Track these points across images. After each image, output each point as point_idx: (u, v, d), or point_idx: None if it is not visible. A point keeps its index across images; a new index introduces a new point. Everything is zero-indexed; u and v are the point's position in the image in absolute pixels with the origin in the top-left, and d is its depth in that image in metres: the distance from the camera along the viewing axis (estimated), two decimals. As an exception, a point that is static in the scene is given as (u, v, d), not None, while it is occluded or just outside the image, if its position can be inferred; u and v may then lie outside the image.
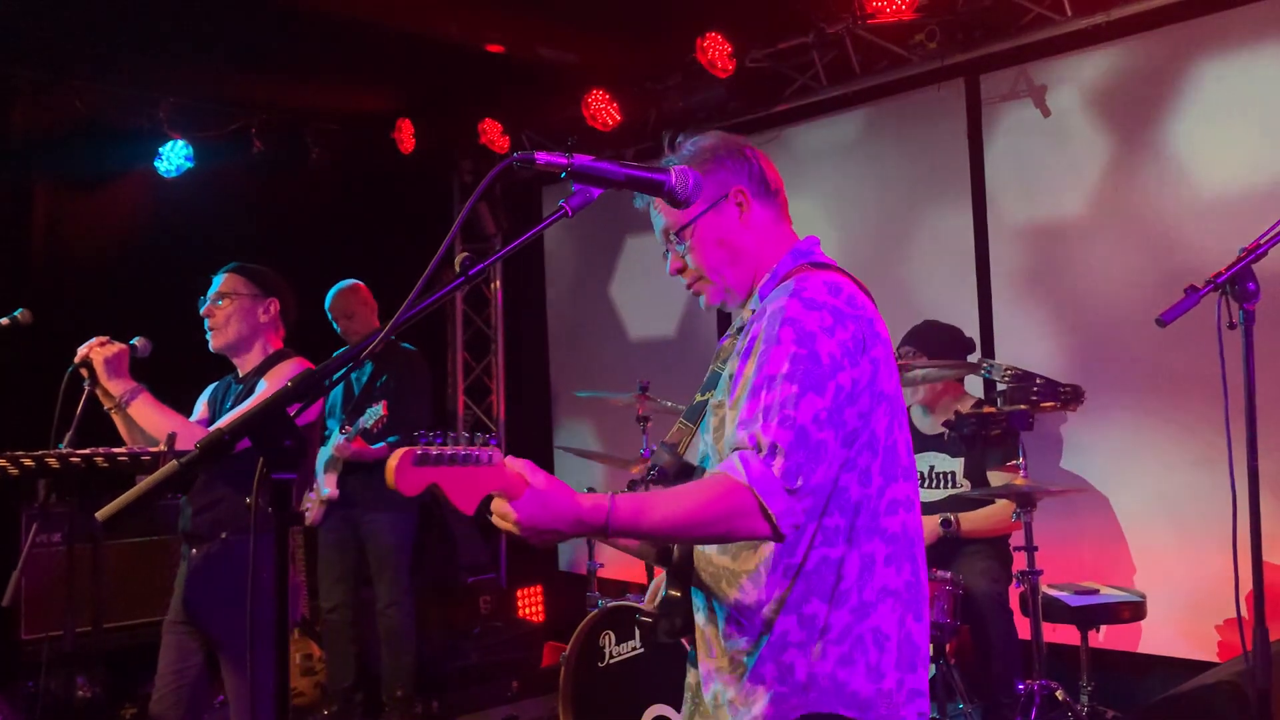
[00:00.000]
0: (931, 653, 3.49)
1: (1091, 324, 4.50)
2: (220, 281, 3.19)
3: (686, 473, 1.92)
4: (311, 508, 4.70)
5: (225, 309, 3.15)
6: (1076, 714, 3.60)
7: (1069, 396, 3.44)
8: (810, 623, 1.72)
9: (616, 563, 5.26)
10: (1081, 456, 4.51)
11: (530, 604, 6.47)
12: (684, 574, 1.89)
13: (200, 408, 3.30)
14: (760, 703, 1.74)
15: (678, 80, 5.43)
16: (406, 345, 4.95)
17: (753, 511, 1.60)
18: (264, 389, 3.09)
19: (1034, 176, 4.69)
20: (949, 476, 4.04)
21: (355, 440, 4.55)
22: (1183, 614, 4.17)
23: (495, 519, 1.59)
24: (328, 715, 4.86)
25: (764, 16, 4.94)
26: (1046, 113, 4.63)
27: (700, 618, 1.87)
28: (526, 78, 5.62)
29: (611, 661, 3.69)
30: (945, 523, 3.87)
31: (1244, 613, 2.44)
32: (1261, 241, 2.38)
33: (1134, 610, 3.82)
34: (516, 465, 1.57)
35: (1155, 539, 4.31)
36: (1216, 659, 4.02)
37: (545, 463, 6.33)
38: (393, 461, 1.45)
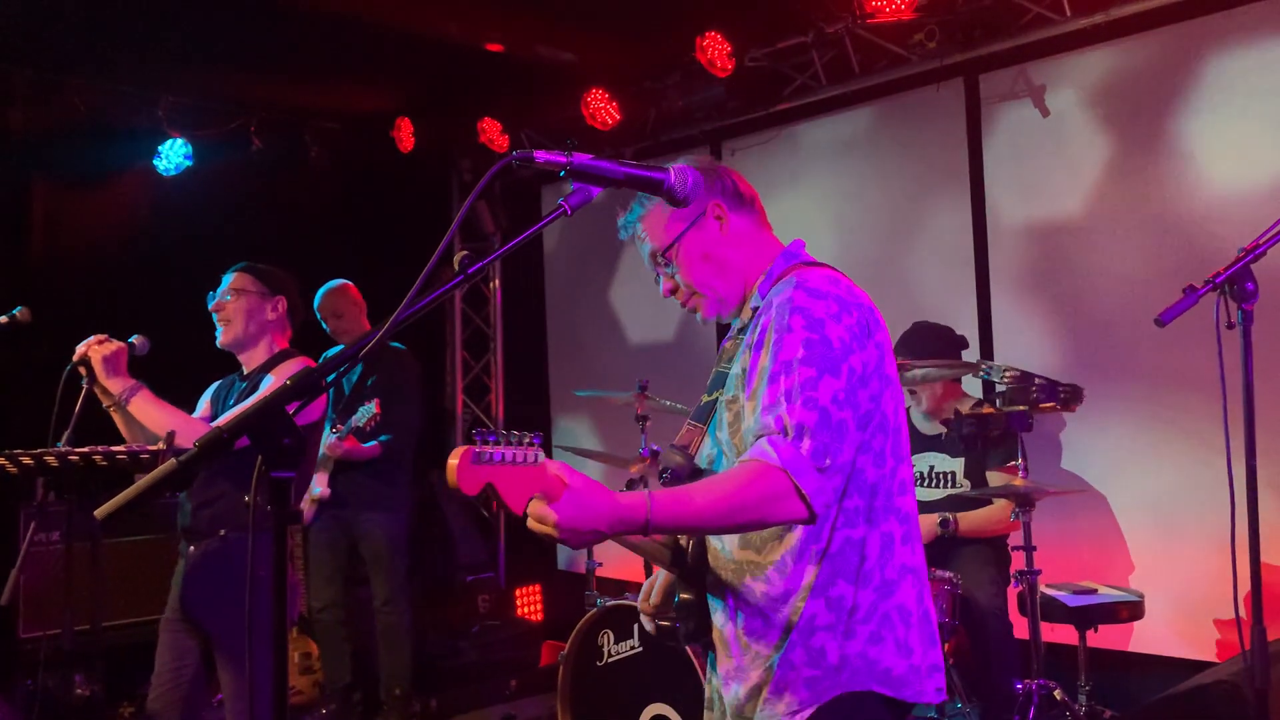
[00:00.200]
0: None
1: (1090, 323, 4.50)
2: (230, 278, 3.22)
3: (697, 476, 1.93)
4: (303, 507, 4.70)
5: (234, 304, 3.18)
6: (1074, 713, 3.60)
7: (1068, 397, 3.44)
8: (838, 604, 1.76)
9: (615, 562, 5.25)
10: (1080, 456, 4.51)
11: (529, 603, 6.47)
12: (698, 575, 1.89)
13: (203, 405, 3.31)
14: (794, 689, 1.76)
15: (677, 79, 5.44)
16: (395, 344, 4.93)
17: (788, 493, 1.63)
18: (269, 384, 3.09)
19: (1033, 176, 4.69)
20: (948, 476, 4.04)
21: (347, 439, 4.54)
22: (1181, 614, 4.17)
23: (532, 523, 1.57)
24: (326, 714, 4.85)
25: (763, 16, 4.94)
26: (1046, 112, 4.64)
27: (719, 618, 1.87)
28: (526, 77, 5.62)
29: (610, 660, 3.69)
30: (944, 522, 3.87)
31: (1242, 612, 2.44)
32: (1260, 241, 2.37)
33: (1132, 610, 3.83)
34: (554, 467, 1.57)
35: (1153, 539, 4.31)
36: (1214, 659, 4.03)
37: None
38: (454, 460, 1.43)
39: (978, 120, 4.88)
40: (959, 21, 4.65)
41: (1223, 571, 2.35)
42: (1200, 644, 4.12)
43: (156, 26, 4.88)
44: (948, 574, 3.53)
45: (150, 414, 2.96)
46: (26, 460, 2.75)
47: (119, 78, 5.49)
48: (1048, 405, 3.45)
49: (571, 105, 5.60)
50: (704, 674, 3.29)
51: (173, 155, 5.77)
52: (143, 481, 1.42)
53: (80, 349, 2.98)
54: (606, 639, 3.71)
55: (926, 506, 3.97)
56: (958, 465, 4.03)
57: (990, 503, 3.87)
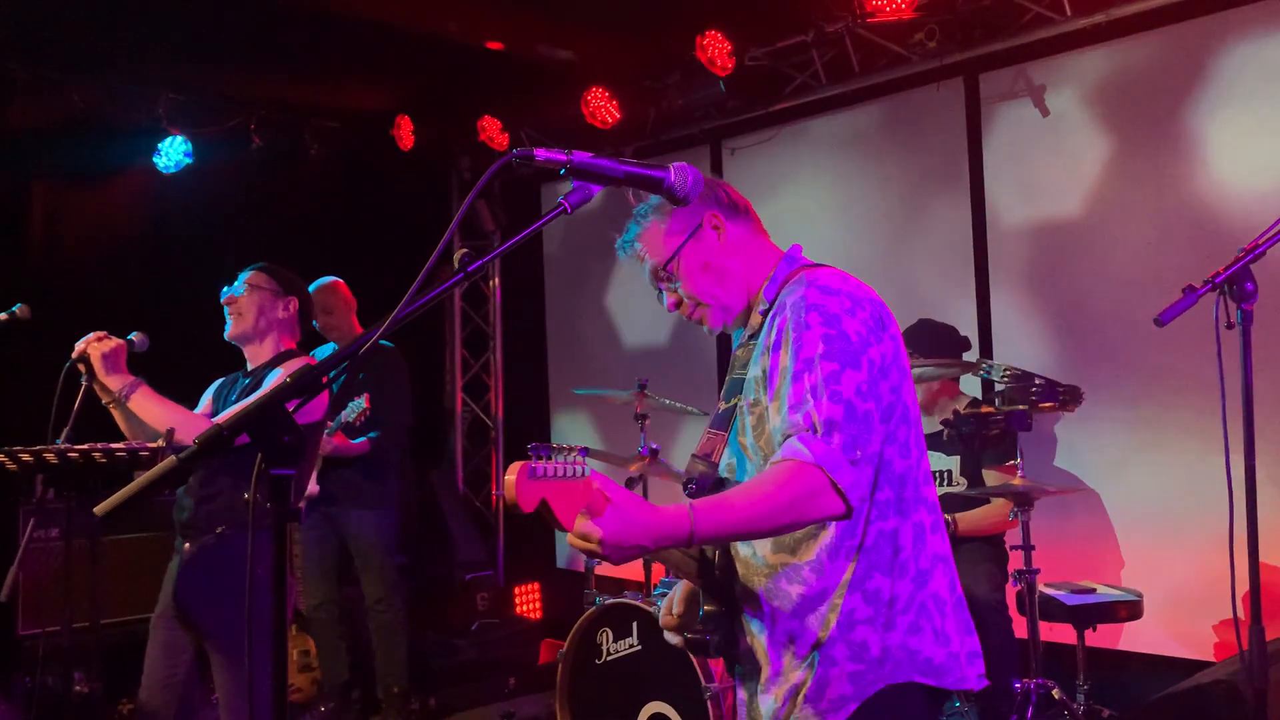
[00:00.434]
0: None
1: (1089, 323, 4.50)
2: (247, 274, 3.25)
3: (721, 485, 1.92)
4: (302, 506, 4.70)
5: (246, 298, 3.20)
6: (1073, 713, 3.60)
7: (1068, 397, 3.44)
8: (875, 597, 1.76)
9: (614, 560, 5.25)
10: (1079, 456, 4.51)
11: (527, 601, 6.47)
12: (726, 586, 1.88)
13: (205, 402, 3.31)
14: (837, 684, 1.75)
15: (677, 78, 5.43)
16: (384, 342, 4.91)
17: (825, 489, 1.64)
18: (275, 377, 3.10)
19: (1033, 176, 4.69)
20: (946, 475, 4.04)
21: (336, 435, 4.53)
22: (1179, 613, 4.17)
23: (573, 540, 1.55)
24: (324, 711, 4.85)
25: (763, 15, 4.94)
26: (1045, 112, 4.64)
27: (754, 626, 1.85)
28: (526, 75, 5.62)
29: (609, 659, 3.70)
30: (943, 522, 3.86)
31: (1240, 612, 2.44)
32: (1260, 241, 2.37)
33: (1130, 609, 3.83)
34: (597, 482, 1.56)
35: (1152, 538, 4.32)
36: (1213, 658, 4.03)
37: (543, 460, 6.31)
38: (511, 476, 1.42)
39: (978, 120, 4.89)
40: (959, 21, 4.66)
41: (1221, 571, 2.35)
42: (1199, 644, 4.12)
43: (156, 24, 4.88)
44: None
45: (150, 410, 2.95)
46: (26, 457, 2.75)
47: (118, 75, 5.48)
48: (1047, 405, 3.45)
49: (571, 104, 5.60)
50: (704, 674, 3.30)
51: (172, 153, 5.76)
52: (142, 478, 1.42)
53: (79, 346, 2.98)
54: (605, 637, 3.71)
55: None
56: (953, 463, 4.03)
57: (988, 502, 3.88)
